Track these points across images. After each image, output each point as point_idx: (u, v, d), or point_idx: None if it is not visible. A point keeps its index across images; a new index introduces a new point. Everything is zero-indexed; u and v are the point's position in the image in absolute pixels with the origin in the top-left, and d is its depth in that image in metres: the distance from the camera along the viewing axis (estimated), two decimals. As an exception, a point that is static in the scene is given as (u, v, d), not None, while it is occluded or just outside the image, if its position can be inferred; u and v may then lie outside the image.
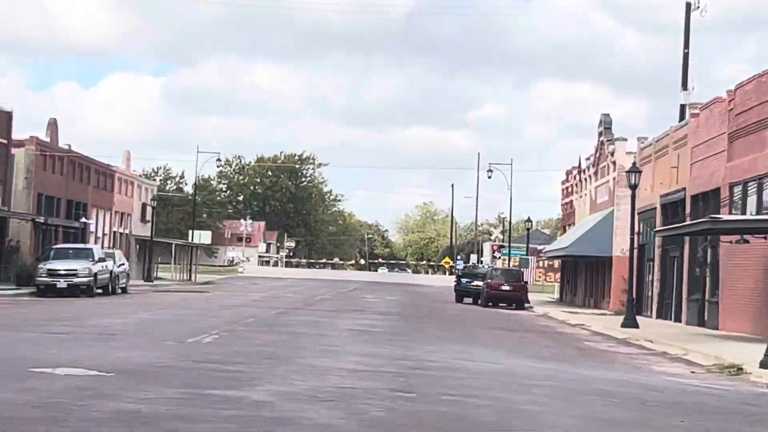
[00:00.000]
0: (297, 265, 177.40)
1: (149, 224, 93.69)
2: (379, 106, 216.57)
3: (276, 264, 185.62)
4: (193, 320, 35.56)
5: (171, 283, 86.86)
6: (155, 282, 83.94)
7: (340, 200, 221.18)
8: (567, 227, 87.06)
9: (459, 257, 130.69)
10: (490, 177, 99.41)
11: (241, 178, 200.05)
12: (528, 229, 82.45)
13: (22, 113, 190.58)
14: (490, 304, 69.18)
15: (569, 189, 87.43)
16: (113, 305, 45.89)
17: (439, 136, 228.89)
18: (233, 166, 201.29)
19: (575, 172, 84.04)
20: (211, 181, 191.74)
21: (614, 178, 67.26)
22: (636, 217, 49.97)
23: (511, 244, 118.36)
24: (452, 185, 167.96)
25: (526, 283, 70.99)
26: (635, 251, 49.88)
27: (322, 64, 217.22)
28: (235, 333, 29.92)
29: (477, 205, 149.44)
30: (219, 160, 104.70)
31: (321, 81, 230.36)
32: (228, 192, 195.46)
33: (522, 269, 72.98)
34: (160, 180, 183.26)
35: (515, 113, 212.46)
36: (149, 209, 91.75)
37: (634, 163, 48.35)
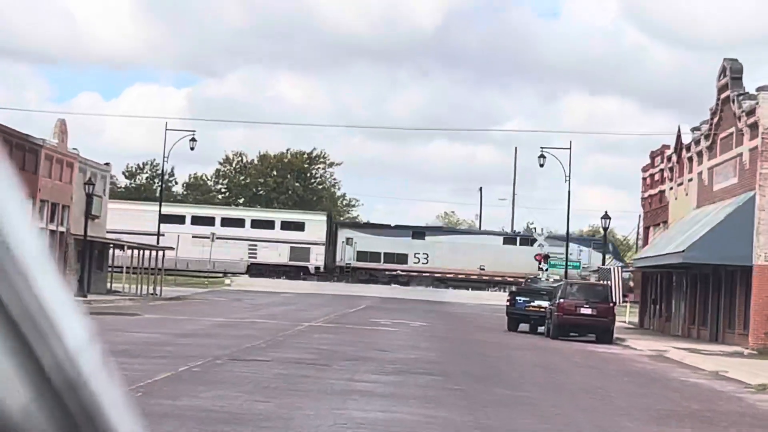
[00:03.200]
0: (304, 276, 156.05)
1: (98, 220, 71.50)
2: (403, 118, 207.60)
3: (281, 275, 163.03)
4: None
5: (117, 299, 64.77)
6: (94, 296, 62.01)
7: (354, 205, 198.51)
8: (653, 228, 64.51)
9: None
10: (542, 165, 77.18)
11: (242, 178, 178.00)
12: (605, 229, 60.11)
13: (42, 124, 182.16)
14: (562, 335, 47.13)
15: (655, 178, 64.96)
16: None
17: (464, 149, 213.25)
18: (234, 165, 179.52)
19: (668, 152, 61.53)
20: (207, 181, 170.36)
21: (752, 149, 44.79)
22: None
23: (555, 253, 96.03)
24: (480, 188, 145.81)
25: (614, 304, 48.58)
26: None
27: (347, 76, 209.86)
28: None
29: (513, 206, 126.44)
30: (194, 140, 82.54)
31: (346, 93, 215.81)
32: (227, 193, 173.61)
33: (606, 283, 50.77)
34: (147, 178, 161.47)
35: (541, 127, 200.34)
36: (97, 200, 69.50)
37: None
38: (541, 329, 53.08)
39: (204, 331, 34.63)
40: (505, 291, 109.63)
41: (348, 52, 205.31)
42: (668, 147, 63.15)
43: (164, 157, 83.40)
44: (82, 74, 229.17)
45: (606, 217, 59.82)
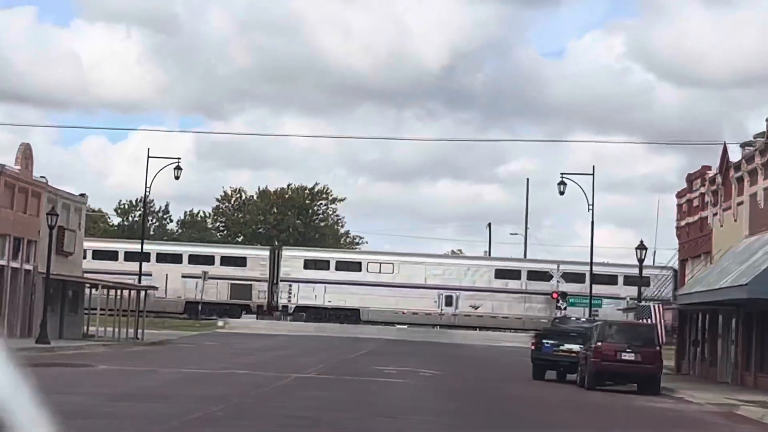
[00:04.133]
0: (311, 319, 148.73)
1: (72, 257, 64.40)
2: (409, 160, 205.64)
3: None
4: None
5: (90, 345, 57.54)
6: (65, 341, 54.72)
7: (359, 243, 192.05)
8: (691, 260, 57.13)
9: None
10: (562, 193, 70.18)
11: (240, 216, 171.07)
12: (641, 261, 52.51)
13: (50, 169, 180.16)
14: (599, 384, 39.83)
15: (693, 204, 57.68)
16: None
17: (469, 190, 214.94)
18: (232, 202, 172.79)
19: (710, 174, 54.29)
20: (206, 219, 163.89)
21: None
22: None
23: (567, 293, 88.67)
24: (489, 224, 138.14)
25: (661, 348, 41.10)
26: None
27: (353, 118, 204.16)
28: None
29: (526, 239, 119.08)
30: (179, 168, 75.22)
31: (352, 134, 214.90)
32: (225, 232, 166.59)
33: (653, 323, 43.26)
34: (139, 214, 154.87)
35: (547, 167, 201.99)
36: (70, 234, 62.34)
37: None
38: (570, 376, 45.69)
39: (156, 390, 27.12)
40: (518, 332, 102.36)
41: (354, 94, 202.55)
42: (709, 168, 55.86)
43: (146, 186, 75.88)
44: (89, 118, 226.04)
45: (642, 247, 52.40)
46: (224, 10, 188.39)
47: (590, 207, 68.63)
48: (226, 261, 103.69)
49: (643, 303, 51.49)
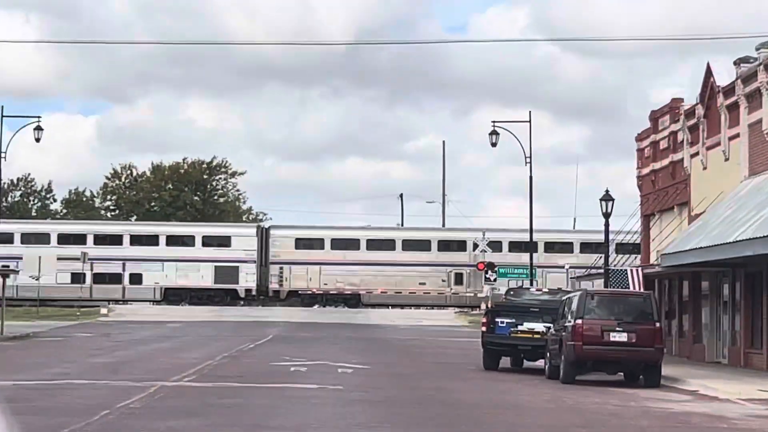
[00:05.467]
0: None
1: None
2: (317, 139, 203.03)
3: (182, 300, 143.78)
4: None
5: None
6: None
7: (263, 220, 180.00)
8: (661, 215, 47.05)
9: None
10: (494, 144, 59.90)
11: (133, 194, 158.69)
12: (607, 216, 41.92)
13: None
14: (579, 374, 29.64)
15: (660, 146, 47.53)
16: None
17: (378, 167, 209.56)
18: (123, 179, 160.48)
19: (684, 107, 44.14)
20: (94, 198, 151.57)
21: None
22: None
23: (494, 263, 78.41)
24: (401, 195, 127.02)
25: (662, 324, 30.76)
26: None
27: (259, 98, 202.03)
28: None
29: (444, 205, 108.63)
30: (39, 128, 63.15)
31: (258, 116, 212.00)
32: (117, 211, 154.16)
33: (649, 291, 32.72)
34: (21, 194, 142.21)
35: (454, 142, 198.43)
36: None
37: None
38: (531, 364, 35.32)
39: None
40: (443, 309, 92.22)
41: (259, 74, 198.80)
42: (681, 101, 45.65)
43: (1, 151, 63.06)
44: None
45: (607, 198, 41.88)
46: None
47: (528, 159, 58.38)
48: (209, 241, 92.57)
49: (614, 267, 41.22)
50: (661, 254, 38.53)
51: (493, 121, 59.08)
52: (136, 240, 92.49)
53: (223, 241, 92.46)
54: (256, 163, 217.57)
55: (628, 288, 36.94)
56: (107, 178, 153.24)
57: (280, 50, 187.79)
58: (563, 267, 75.40)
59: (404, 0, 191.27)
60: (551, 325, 33.17)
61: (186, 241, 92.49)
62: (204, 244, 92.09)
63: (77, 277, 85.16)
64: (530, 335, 34.05)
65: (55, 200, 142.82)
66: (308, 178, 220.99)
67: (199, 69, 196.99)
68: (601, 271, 44.37)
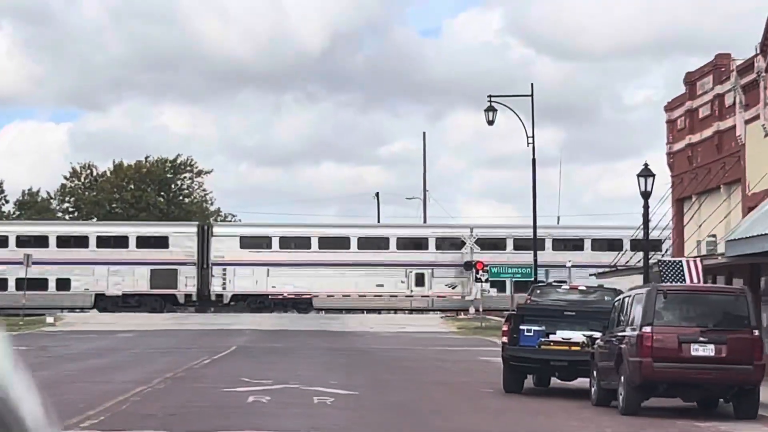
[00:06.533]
0: (175, 309, 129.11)
1: None
2: (290, 144, 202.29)
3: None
4: None
5: None
6: None
7: (231, 221, 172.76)
8: (697, 197, 38.83)
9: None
10: (491, 122, 51.71)
11: (93, 194, 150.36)
12: (647, 195, 33.39)
13: None
14: (642, 402, 21.42)
15: (697, 115, 39.31)
16: None
17: (352, 171, 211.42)
18: (83, 180, 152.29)
19: (738, 63, 36.00)
20: (51, 199, 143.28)
21: None
22: None
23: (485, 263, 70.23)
24: (377, 193, 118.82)
25: (761, 331, 22.56)
26: None
27: (232, 104, 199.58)
28: None
29: (425, 200, 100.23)
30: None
31: (231, 121, 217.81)
32: (76, 213, 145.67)
33: (743, 287, 24.52)
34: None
35: (427, 145, 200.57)
36: None
37: None
38: (559, 382, 27.15)
39: None
40: (424, 313, 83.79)
41: (233, 79, 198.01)
42: (728, 56, 37.48)
43: None
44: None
45: (647, 173, 33.57)
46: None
47: (530, 140, 50.21)
48: (143, 242, 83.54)
49: (665, 258, 32.93)
50: (726, 241, 30.25)
51: (490, 95, 50.60)
52: (64, 242, 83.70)
53: (160, 242, 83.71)
54: (231, 169, 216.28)
55: (684, 283, 28.68)
56: (65, 178, 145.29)
57: (254, 55, 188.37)
58: (564, 265, 67.16)
59: (378, 3, 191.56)
60: (593, 334, 25.03)
61: (119, 241, 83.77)
62: (139, 245, 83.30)
63: (21, 284, 76.28)
64: (566, 347, 25.82)
65: (7, 201, 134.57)
66: (282, 182, 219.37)
67: (172, 75, 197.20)
68: (635, 266, 36.11)
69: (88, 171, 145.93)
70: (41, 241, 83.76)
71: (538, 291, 28.33)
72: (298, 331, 62.61)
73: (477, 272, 70.94)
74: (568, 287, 28.30)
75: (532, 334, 25.98)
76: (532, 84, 52.16)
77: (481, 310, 71.78)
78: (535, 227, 51.34)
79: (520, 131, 50.50)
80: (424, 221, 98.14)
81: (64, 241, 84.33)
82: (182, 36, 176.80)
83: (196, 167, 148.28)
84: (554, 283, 30.73)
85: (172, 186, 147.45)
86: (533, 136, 48.58)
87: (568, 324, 26.20)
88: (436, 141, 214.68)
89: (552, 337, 25.94)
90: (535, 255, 51.02)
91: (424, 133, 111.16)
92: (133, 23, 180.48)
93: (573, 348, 25.61)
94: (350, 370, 32.93)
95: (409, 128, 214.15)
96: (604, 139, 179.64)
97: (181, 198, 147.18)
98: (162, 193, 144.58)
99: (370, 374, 31.29)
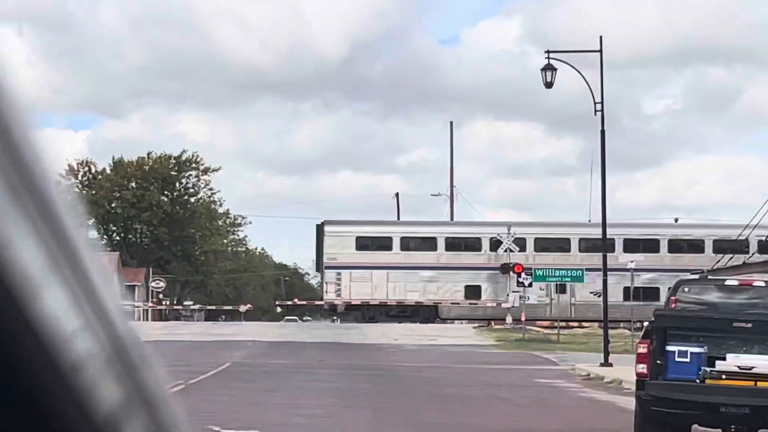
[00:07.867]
0: (180, 317, 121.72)
1: None
2: (308, 152, 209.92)
3: (142, 316, 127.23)
4: None
5: None
6: None
7: (241, 224, 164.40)
8: None
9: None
10: (549, 85, 42.28)
11: (92, 193, 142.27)
12: None
13: None
14: None
15: None
16: None
17: (369, 180, 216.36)
18: (81, 178, 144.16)
19: None
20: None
21: None
22: None
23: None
24: (396, 194, 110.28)
25: None
26: None
27: (251, 112, 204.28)
28: None
29: (452, 197, 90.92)
30: None
31: (249, 129, 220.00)
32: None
33: None
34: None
35: (445, 154, 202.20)
36: None
37: None
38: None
39: None
40: (459, 322, 73.64)
41: (252, 87, 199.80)
42: None
43: None
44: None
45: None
46: (117, 7, 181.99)
47: (597, 106, 40.02)
48: None
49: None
50: None
51: (547, 51, 40.68)
52: None
53: None
54: (248, 176, 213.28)
55: None
56: (61, 176, 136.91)
57: (272, 63, 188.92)
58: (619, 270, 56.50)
59: (397, 12, 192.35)
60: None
61: None
62: None
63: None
64: (748, 382, 15.36)
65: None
66: (300, 190, 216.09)
67: (191, 82, 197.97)
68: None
69: (86, 168, 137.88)
70: None
71: (687, 289, 17.62)
72: (307, 343, 52.57)
73: (518, 276, 60.90)
74: (736, 282, 17.57)
75: (687, 359, 15.54)
76: (601, 36, 41.87)
77: (523, 319, 61.41)
78: (604, 217, 40.97)
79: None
80: (451, 218, 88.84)
81: None
82: (201, 44, 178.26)
83: (202, 164, 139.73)
84: (711, 277, 20.28)
85: (177, 184, 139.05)
86: (602, 102, 38.24)
87: (741, 342, 15.77)
88: (454, 149, 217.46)
89: (721, 365, 15.51)
90: (605, 257, 40.64)
91: (451, 123, 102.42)
92: (152, 31, 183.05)
93: (761, 384, 15.17)
94: (378, 403, 22.77)
95: (427, 137, 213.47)
96: (624, 148, 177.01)
97: (186, 197, 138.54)
98: (166, 192, 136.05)
99: (407, 412, 21.05)
